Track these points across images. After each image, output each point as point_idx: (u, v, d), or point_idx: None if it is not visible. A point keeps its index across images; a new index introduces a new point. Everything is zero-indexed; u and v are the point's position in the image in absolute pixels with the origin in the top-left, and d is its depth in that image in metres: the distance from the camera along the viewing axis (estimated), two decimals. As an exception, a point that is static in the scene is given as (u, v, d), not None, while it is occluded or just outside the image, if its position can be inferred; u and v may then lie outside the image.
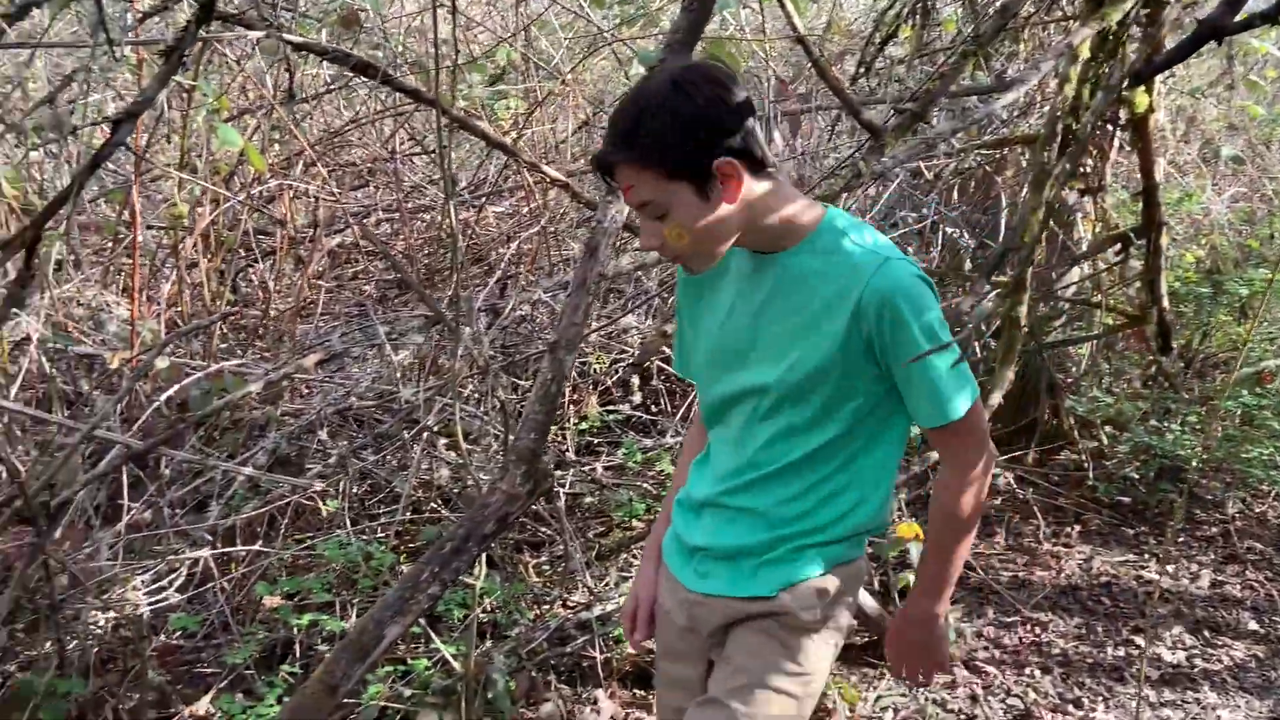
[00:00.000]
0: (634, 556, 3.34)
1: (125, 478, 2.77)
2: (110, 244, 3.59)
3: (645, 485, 3.39)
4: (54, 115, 1.83)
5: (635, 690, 2.97)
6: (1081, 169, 3.78)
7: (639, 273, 4.19)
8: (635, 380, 4.06)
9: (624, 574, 3.24)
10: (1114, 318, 4.31)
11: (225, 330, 4.05)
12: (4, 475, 2.70)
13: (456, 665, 2.42)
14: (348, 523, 2.66)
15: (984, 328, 4.09)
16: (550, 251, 4.27)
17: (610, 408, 3.95)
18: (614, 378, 4.04)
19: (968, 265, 4.50)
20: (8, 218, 3.08)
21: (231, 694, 2.63)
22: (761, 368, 1.54)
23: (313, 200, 3.91)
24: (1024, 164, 4.38)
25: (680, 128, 1.38)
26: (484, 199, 4.38)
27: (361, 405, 2.92)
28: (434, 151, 4.24)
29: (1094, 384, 4.65)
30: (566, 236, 4.60)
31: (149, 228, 3.62)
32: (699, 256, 1.49)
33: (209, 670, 2.77)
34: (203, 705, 2.61)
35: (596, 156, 1.44)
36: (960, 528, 1.58)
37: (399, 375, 2.89)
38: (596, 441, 3.92)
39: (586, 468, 3.56)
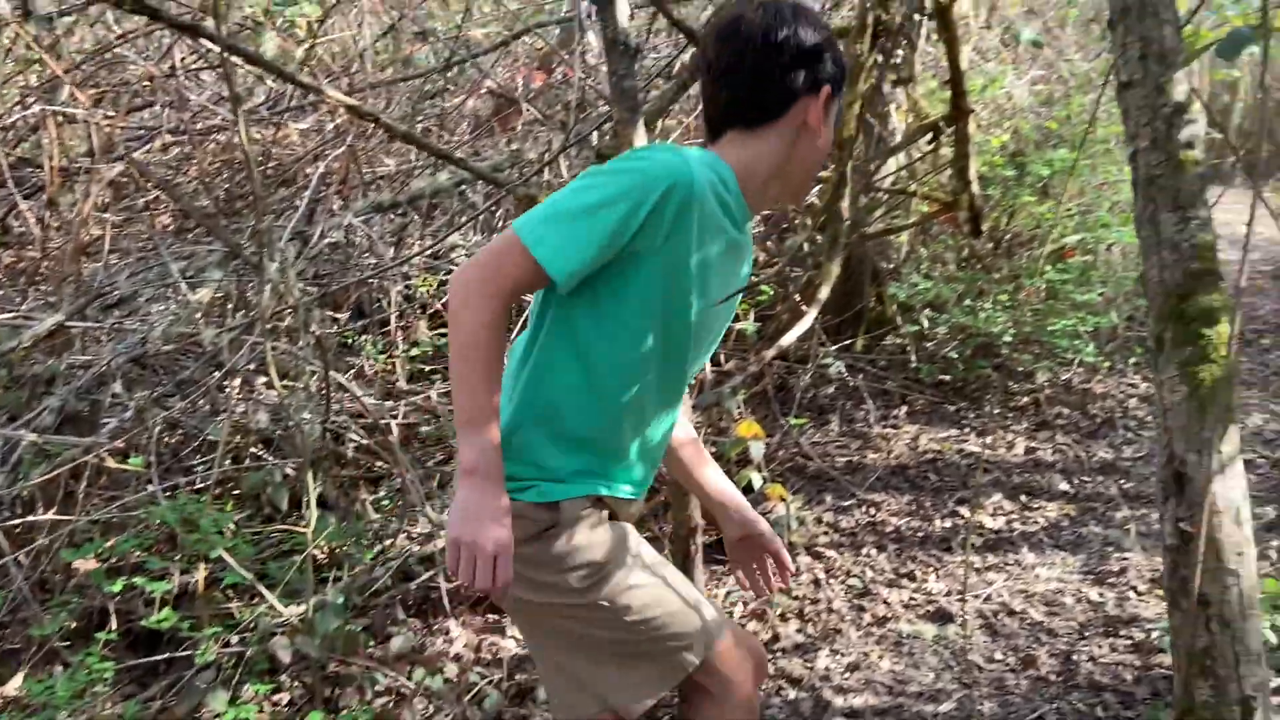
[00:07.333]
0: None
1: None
2: None
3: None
4: None
5: (487, 616, 2.93)
6: (893, 60, 3.81)
7: (462, 188, 4.00)
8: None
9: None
10: (929, 205, 4.44)
11: (1, 277, 3.67)
12: None
13: (286, 612, 2.31)
14: (156, 479, 2.46)
15: (809, 223, 4.13)
16: (361, 170, 4.02)
17: (441, 331, 3.80)
18: (443, 300, 3.88)
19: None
20: None
21: (47, 669, 2.44)
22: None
23: (86, 126, 3.52)
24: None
25: None
26: (284, 114, 4.06)
27: (160, 351, 2.69)
28: (220, 66, 3.88)
29: (914, 270, 4.81)
30: (379, 152, 4.33)
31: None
32: None
33: (18, 647, 2.56)
34: (12, 686, 2.41)
35: None
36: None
37: (199, 316, 2.66)
38: (429, 369, 3.79)
39: (420, 396, 3.43)
